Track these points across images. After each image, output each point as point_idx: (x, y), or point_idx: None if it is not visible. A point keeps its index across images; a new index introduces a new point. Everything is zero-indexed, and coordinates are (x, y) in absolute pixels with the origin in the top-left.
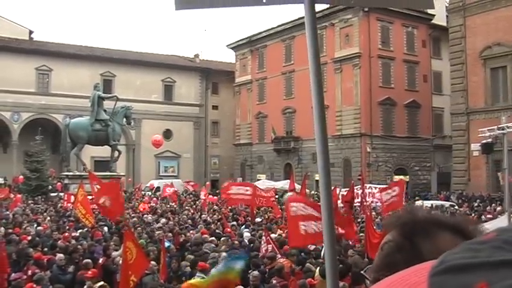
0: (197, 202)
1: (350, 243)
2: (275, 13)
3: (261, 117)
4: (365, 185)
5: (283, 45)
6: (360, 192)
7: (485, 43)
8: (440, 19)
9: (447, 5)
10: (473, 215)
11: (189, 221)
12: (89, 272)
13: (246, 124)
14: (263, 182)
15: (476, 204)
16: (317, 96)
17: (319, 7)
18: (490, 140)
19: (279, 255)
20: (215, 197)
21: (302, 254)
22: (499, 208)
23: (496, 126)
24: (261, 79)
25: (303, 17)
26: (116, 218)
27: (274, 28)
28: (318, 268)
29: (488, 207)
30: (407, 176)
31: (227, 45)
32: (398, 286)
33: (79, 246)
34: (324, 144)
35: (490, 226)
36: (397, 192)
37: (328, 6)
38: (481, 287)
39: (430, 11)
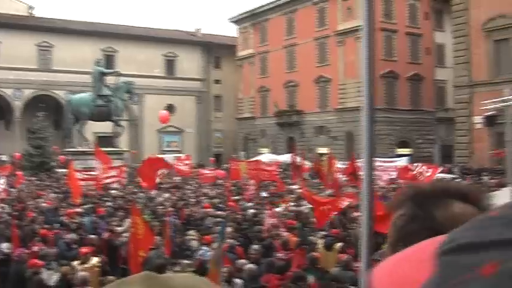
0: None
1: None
2: None
3: (263, 91)
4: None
5: (285, 19)
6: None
7: (489, 15)
8: None
9: None
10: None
11: (193, 195)
12: (84, 249)
13: (248, 98)
14: (266, 156)
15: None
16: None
17: None
18: (492, 112)
19: (283, 229)
20: (222, 172)
21: (305, 228)
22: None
23: (499, 99)
24: (263, 53)
25: None
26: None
27: (276, 1)
28: (323, 241)
29: (491, 180)
30: (410, 149)
31: (229, 19)
32: (404, 264)
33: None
34: (369, 121)
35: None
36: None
37: None
38: (492, 266)
39: None
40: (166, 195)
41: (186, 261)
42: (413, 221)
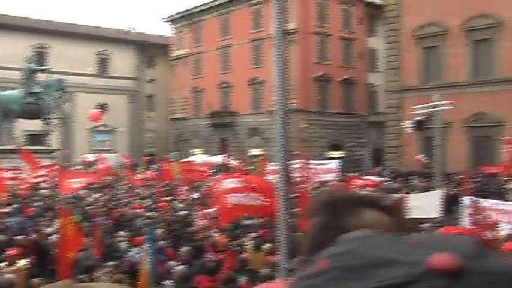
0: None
1: None
2: None
3: (197, 92)
4: (309, 161)
5: (220, 20)
6: (297, 167)
7: (420, 22)
8: None
9: None
10: (405, 190)
11: (125, 195)
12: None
13: (181, 98)
14: (199, 157)
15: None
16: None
17: None
18: (422, 117)
19: (214, 230)
20: (153, 173)
21: (236, 229)
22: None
23: (428, 104)
24: (197, 53)
25: None
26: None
27: (211, 2)
28: (252, 242)
29: (420, 183)
30: (342, 152)
31: (164, 19)
32: None
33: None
34: (283, 122)
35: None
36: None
37: None
38: None
39: None
40: (97, 195)
41: (115, 263)
42: (327, 229)
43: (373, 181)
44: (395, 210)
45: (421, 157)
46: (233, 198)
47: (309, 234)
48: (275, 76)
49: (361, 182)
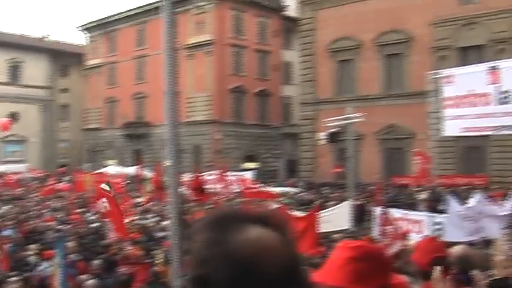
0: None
1: None
2: None
3: (111, 102)
4: (225, 172)
5: (136, 29)
6: (212, 178)
7: (334, 36)
8: (292, 11)
9: None
10: (319, 201)
11: (35, 208)
12: None
13: (96, 108)
14: (112, 168)
15: (328, 191)
16: (170, 82)
17: None
18: (335, 129)
19: (126, 243)
20: (66, 184)
21: (150, 242)
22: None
23: (341, 117)
24: (112, 63)
25: (156, 2)
26: None
27: (127, 11)
28: (162, 255)
29: (333, 194)
30: (257, 163)
31: (78, 27)
32: None
33: None
34: (173, 132)
35: (329, 217)
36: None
37: None
38: None
39: (283, 3)
40: (7, 207)
41: (24, 277)
42: (211, 246)
43: (272, 193)
44: (282, 227)
45: (339, 167)
46: None
47: (192, 251)
48: (166, 87)
49: (260, 194)
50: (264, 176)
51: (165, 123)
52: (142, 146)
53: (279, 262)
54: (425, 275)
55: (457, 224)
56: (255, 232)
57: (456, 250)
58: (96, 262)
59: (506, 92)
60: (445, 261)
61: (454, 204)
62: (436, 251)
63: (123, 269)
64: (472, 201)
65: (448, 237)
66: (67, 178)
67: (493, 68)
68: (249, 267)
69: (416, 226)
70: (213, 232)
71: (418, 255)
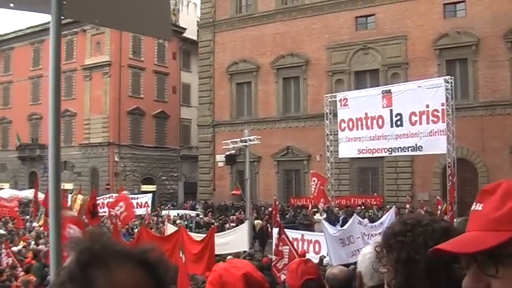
0: None
1: None
2: (24, 15)
3: (4, 123)
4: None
5: (31, 49)
6: (106, 202)
7: (232, 59)
8: (191, 33)
9: (198, 20)
10: (216, 224)
11: None
12: None
13: None
14: (6, 192)
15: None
16: (54, 104)
17: None
18: (233, 151)
19: (20, 269)
20: None
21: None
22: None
23: (239, 139)
24: (6, 82)
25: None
26: None
27: (22, 30)
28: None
29: (232, 216)
30: (155, 186)
31: None
32: None
33: None
34: (56, 155)
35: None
36: (124, 208)
37: None
38: None
39: (182, 25)
40: None
41: None
42: (71, 281)
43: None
44: (155, 265)
45: (237, 189)
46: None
47: (57, 278)
48: (50, 110)
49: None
50: (163, 199)
51: (48, 146)
52: (37, 168)
53: None
54: None
55: (335, 247)
56: (127, 273)
57: (329, 271)
58: None
59: (398, 115)
60: (317, 284)
61: (329, 227)
62: (308, 273)
63: None
64: (348, 224)
65: (334, 261)
66: None
67: (387, 92)
68: None
69: (312, 246)
70: (77, 266)
71: (290, 278)
